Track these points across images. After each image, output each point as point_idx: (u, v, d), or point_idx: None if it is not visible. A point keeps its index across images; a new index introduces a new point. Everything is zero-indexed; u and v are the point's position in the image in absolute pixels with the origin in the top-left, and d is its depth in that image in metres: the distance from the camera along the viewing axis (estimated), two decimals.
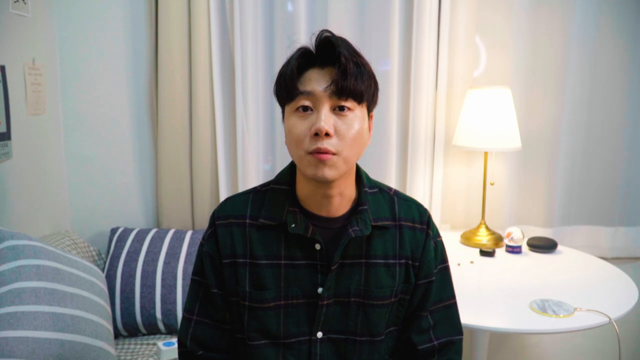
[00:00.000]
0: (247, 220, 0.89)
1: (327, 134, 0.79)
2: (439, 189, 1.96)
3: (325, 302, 0.87)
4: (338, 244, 0.88)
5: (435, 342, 0.94)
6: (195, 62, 1.78)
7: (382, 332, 0.91)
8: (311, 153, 0.80)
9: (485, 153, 1.83)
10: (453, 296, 0.98)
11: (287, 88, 0.83)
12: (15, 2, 1.51)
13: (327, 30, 0.83)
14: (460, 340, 0.97)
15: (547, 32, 1.90)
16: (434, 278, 0.94)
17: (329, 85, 0.80)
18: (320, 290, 0.87)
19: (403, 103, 1.93)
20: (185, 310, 0.95)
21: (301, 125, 0.81)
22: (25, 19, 1.58)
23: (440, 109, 1.91)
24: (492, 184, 1.86)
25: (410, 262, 0.92)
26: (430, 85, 1.90)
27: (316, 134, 0.79)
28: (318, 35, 0.83)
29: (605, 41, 1.91)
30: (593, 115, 1.95)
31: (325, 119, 0.79)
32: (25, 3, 1.56)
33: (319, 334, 0.88)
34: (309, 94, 0.81)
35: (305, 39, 1.84)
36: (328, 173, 0.80)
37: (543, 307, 1.31)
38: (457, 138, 1.82)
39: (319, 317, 0.88)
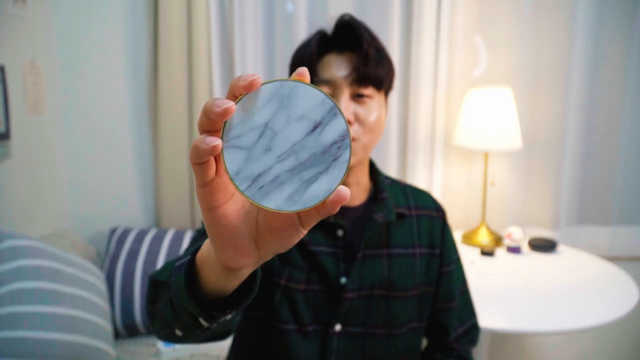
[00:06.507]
0: None
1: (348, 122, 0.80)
2: (439, 189, 1.96)
3: (349, 295, 0.84)
4: (360, 233, 0.86)
5: (461, 329, 0.95)
6: (195, 62, 1.78)
7: (402, 325, 0.88)
8: None
9: (486, 153, 1.83)
10: (466, 282, 0.98)
11: None
12: (15, 2, 1.51)
13: (348, 14, 0.80)
14: (477, 321, 0.98)
15: (548, 31, 1.90)
16: (455, 266, 0.94)
17: (350, 73, 0.78)
18: (343, 280, 0.84)
19: (403, 103, 1.93)
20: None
21: None
22: (25, 19, 1.58)
23: (440, 109, 1.91)
24: (492, 184, 1.86)
25: (429, 250, 0.91)
26: (430, 85, 1.90)
27: None
28: (338, 19, 0.80)
29: (608, 40, 1.90)
30: (594, 115, 1.95)
31: (346, 106, 0.78)
32: (25, 3, 1.56)
33: (337, 327, 0.84)
34: (329, 82, 0.79)
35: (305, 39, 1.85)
36: None
37: None
38: (457, 138, 1.82)
39: (342, 310, 0.84)
